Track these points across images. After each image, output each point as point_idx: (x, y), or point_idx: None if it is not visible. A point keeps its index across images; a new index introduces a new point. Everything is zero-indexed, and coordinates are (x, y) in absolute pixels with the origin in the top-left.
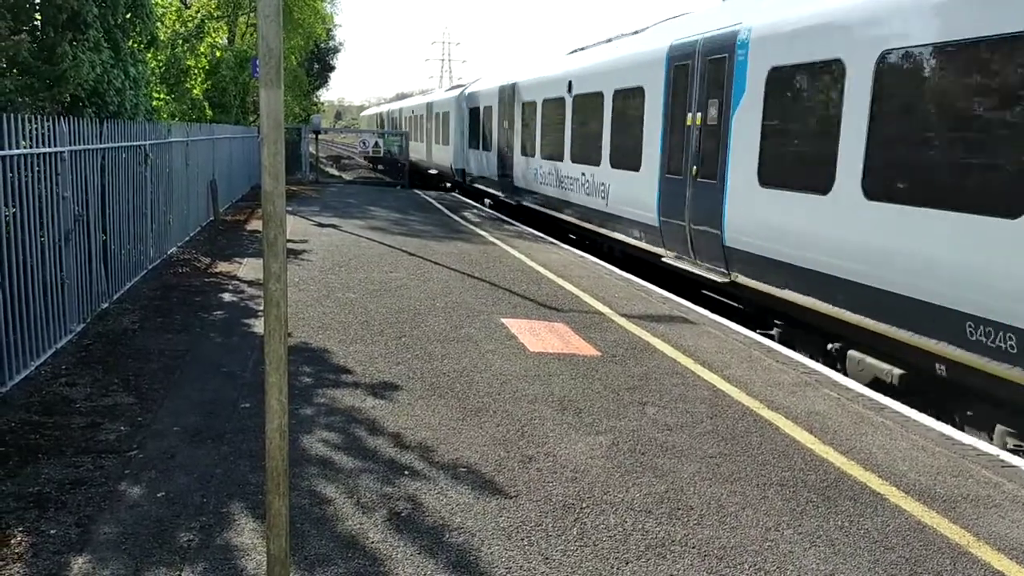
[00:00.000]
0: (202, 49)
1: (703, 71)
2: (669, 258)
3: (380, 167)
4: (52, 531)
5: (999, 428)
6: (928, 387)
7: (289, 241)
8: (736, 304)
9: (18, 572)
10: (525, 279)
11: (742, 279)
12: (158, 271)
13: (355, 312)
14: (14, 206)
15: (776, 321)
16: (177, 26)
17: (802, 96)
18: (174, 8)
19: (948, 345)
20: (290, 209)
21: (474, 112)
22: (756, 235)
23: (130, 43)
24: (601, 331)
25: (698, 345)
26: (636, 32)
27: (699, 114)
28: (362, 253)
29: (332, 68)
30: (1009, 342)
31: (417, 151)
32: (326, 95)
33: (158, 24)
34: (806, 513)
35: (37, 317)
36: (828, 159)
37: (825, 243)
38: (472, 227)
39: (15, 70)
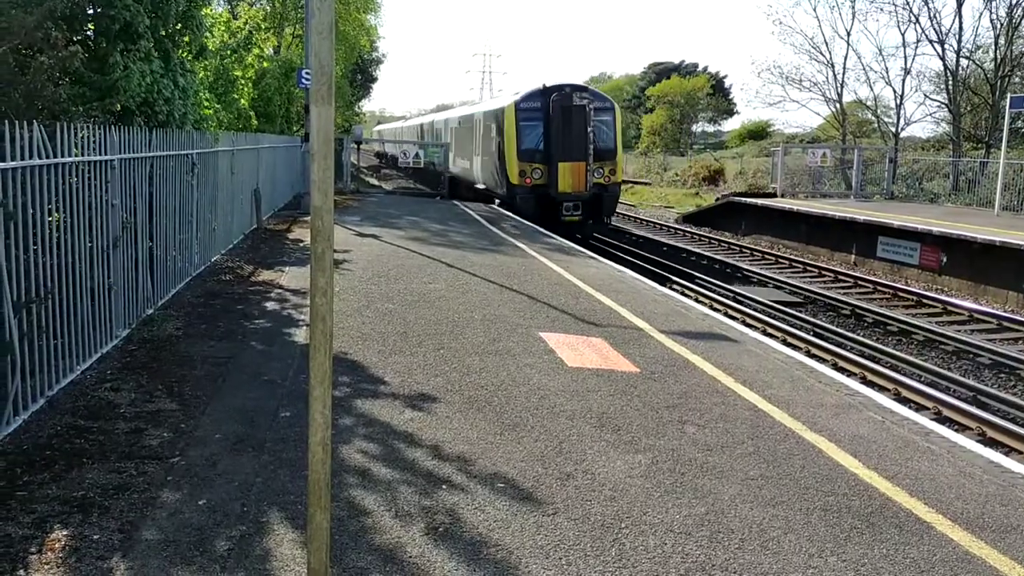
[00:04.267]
0: (249, 60)
1: (495, 120)
2: (479, 186)
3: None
4: (95, 536)
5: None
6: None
7: None
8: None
9: None
10: (563, 293)
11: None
12: (202, 278)
13: (394, 323)
14: (65, 212)
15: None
16: (226, 37)
17: (491, 130)
18: (223, 20)
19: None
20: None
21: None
22: (479, 176)
23: (180, 53)
24: (640, 347)
25: (739, 363)
26: (483, 101)
27: (497, 138)
28: (402, 264)
29: (375, 79)
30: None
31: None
32: (367, 105)
33: (208, 35)
34: (850, 540)
35: (84, 322)
36: (473, 149)
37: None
38: (511, 239)
39: (68, 80)
